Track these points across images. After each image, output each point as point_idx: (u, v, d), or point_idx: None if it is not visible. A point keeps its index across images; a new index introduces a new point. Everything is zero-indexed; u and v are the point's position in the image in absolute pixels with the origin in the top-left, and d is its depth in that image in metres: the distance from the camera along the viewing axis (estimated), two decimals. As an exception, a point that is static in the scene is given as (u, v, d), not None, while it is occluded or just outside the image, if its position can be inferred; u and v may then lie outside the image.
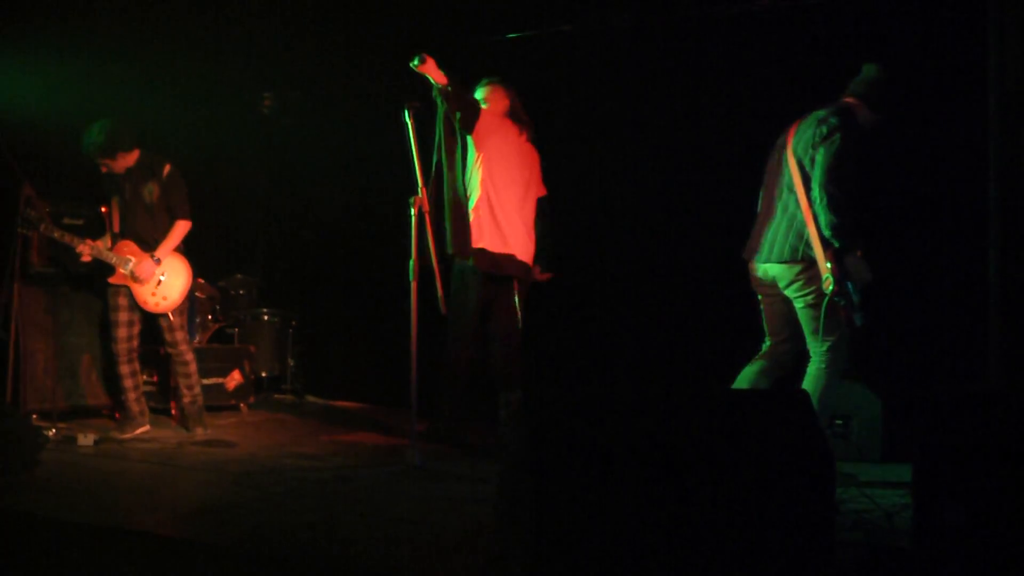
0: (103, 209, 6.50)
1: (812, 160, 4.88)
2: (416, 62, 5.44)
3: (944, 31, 5.99)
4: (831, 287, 4.73)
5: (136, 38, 7.70)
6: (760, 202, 5.27)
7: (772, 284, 5.09)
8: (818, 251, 4.80)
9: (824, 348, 4.91)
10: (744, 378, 5.16)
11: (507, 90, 6.16)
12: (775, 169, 5.16)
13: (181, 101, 8.07)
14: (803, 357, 5.10)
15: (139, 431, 6.37)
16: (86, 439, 5.98)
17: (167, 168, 6.36)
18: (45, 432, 5.93)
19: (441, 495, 4.70)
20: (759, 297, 5.25)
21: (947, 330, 5.99)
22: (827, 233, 4.77)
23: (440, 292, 5.41)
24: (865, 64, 5.14)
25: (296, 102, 8.83)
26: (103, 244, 6.38)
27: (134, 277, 6.24)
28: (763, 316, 5.25)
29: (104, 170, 6.34)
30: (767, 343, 5.25)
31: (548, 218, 6.23)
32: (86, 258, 6.33)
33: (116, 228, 6.40)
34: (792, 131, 5.10)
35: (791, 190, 4.98)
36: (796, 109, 5.24)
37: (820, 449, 3.29)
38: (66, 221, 6.79)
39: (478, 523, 4.06)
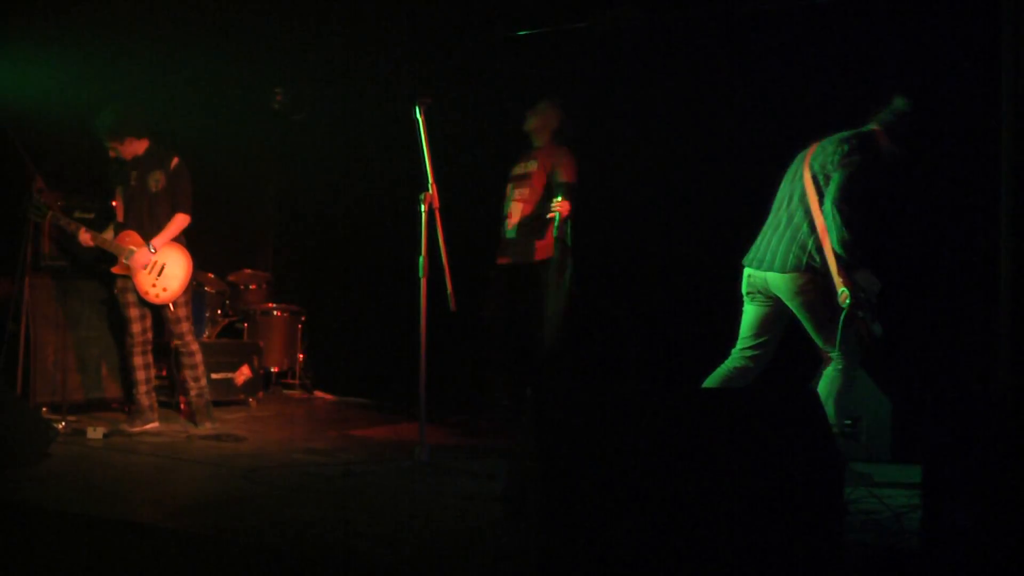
0: (114, 203, 6.52)
1: (827, 178, 4.91)
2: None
3: (958, 30, 5.97)
4: (848, 301, 4.76)
5: (147, 32, 7.71)
6: (772, 211, 5.27)
7: (765, 289, 5.10)
8: (832, 265, 4.83)
9: (840, 352, 4.93)
10: (715, 379, 5.18)
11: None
12: (790, 181, 5.18)
13: (192, 96, 8.09)
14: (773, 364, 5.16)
15: (148, 427, 6.38)
16: (95, 432, 6.01)
17: (175, 161, 6.41)
18: (55, 425, 5.94)
19: (450, 491, 4.70)
20: (746, 299, 5.22)
21: (957, 330, 5.97)
22: (837, 248, 4.81)
23: (450, 288, 5.40)
24: (897, 96, 5.11)
25: (307, 97, 8.83)
26: (107, 234, 6.42)
27: (128, 267, 6.28)
28: (743, 319, 5.23)
29: (112, 154, 6.40)
30: (738, 344, 5.23)
31: None
32: (88, 243, 6.37)
33: (120, 218, 6.46)
34: (813, 147, 5.11)
35: (802, 203, 5.00)
36: (808, 108, 5.25)
37: (829, 449, 3.28)
38: (77, 215, 6.80)
39: (487, 520, 4.06)
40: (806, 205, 4.97)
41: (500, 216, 6.86)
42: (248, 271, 8.34)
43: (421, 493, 4.66)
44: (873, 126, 5.09)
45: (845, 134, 5.03)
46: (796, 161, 5.22)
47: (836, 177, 4.86)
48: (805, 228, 4.95)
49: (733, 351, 5.24)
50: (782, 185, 5.24)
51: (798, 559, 3.16)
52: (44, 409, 6.60)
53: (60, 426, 6.11)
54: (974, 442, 3.41)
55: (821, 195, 4.92)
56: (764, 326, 5.15)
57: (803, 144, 5.19)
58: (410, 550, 3.66)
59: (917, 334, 6.09)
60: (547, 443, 3.17)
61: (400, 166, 6.75)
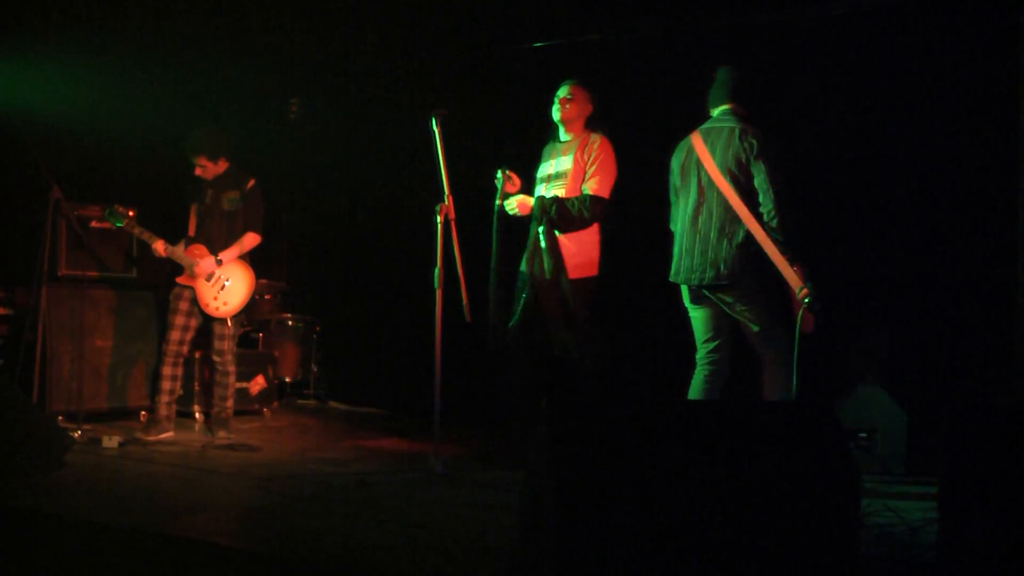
0: (131, 213, 6.55)
1: (747, 174, 4.95)
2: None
3: (975, 34, 5.96)
4: (808, 298, 4.75)
5: (164, 44, 7.76)
6: (680, 222, 5.24)
7: (709, 298, 5.11)
8: (783, 268, 4.83)
9: (774, 354, 4.98)
10: (695, 391, 5.19)
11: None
12: (694, 187, 5.14)
13: (208, 106, 8.12)
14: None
15: (163, 436, 6.40)
16: (111, 441, 6.03)
17: (251, 182, 6.57)
18: (70, 434, 5.97)
19: (463, 502, 4.70)
20: (691, 307, 5.25)
21: (974, 341, 5.95)
22: (783, 244, 4.84)
23: (465, 300, 5.40)
24: (718, 70, 5.22)
25: (322, 108, 8.86)
26: (179, 247, 6.54)
27: (191, 273, 6.37)
28: (694, 325, 5.26)
29: (198, 171, 6.51)
30: (700, 352, 5.25)
31: None
32: (160, 254, 6.48)
33: (191, 232, 6.58)
34: (701, 148, 5.10)
35: (728, 210, 4.98)
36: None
37: (844, 463, 3.27)
38: (94, 225, 6.83)
39: (501, 532, 4.05)
40: (732, 212, 4.95)
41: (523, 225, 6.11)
42: (263, 281, 8.33)
43: (435, 505, 4.66)
44: (726, 105, 5.15)
45: (730, 125, 5.05)
46: (688, 165, 5.19)
47: (763, 176, 4.90)
48: (741, 234, 4.94)
49: (698, 360, 5.25)
50: (685, 192, 5.20)
51: (813, 573, 3.15)
52: (60, 418, 6.62)
53: (76, 435, 6.13)
54: (991, 455, 3.39)
55: (745, 194, 4.93)
56: (716, 326, 5.16)
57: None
58: (424, 562, 3.66)
59: (933, 344, 6.07)
60: (562, 455, 3.16)
61: (416, 177, 6.76)
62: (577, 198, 5.70)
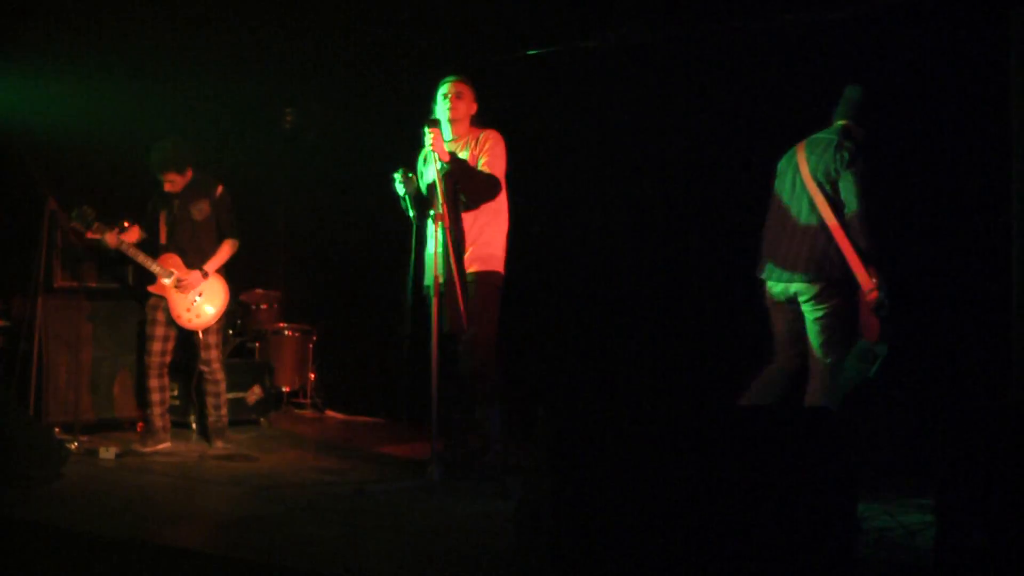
0: (126, 224, 6.55)
1: (834, 185, 5.08)
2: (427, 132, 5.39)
3: (966, 36, 5.97)
4: (877, 297, 4.90)
5: (160, 55, 7.75)
6: (770, 220, 5.41)
7: (790, 300, 5.22)
8: (857, 270, 4.96)
9: (828, 363, 5.06)
10: (760, 390, 5.27)
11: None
12: (788, 190, 5.30)
13: (204, 116, 8.12)
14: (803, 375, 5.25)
15: (160, 447, 6.39)
16: (108, 452, 6.02)
17: (219, 189, 6.55)
18: (67, 445, 5.96)
19: (461, 511, 4.70)
20: (772, 310, 5.37)
21: (970, 342, 5.95)
22: (865, 253, 4.97)
23: (462, 308, 5.39)
24: (848, 87, 5.33)
25: (318, 118, 8.87)
26: (128, 235, 6.46)
27: (179, 284, 6.34)
28: (774, 332, 5.38)
29: (168, 187, 6.46)
30: (777, 359, 5.36)
31: None
32: (112, 244, 6.35)
33: (163, 241, 6.52)
34: (801, 154, 5.26)
35: (813, 211, 5.12)
36: (822, 120, 5.31)
37: (842, 466, 3.27)
38: (89, 236, 6.82)
39: (499, 540, 4.05)
40: (819, 216, 5.09)
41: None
42: (259, 291, 8.35)
43: (433, 512, 4.66)
44: (842, 122, 5.26)
45: (831, 137, 5.20)
46: (787, 169, 5.36)
47: (849, 185, 5.03)
48: (823, 238, 5.07)
49: (776, 360, 5.35)
50: (780, 194, 5.36)
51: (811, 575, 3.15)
52: (56, 429, 6.60)
53: (72, 446, 6.12)
54: (988, 457, 3.39)
55: (831, 202, 5.07)
56: (794, 336, 5.26)
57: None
58: (422, 569, 3.66)
59: (929, 345, 6.07)
60: (559, 462, 3.17)
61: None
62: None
